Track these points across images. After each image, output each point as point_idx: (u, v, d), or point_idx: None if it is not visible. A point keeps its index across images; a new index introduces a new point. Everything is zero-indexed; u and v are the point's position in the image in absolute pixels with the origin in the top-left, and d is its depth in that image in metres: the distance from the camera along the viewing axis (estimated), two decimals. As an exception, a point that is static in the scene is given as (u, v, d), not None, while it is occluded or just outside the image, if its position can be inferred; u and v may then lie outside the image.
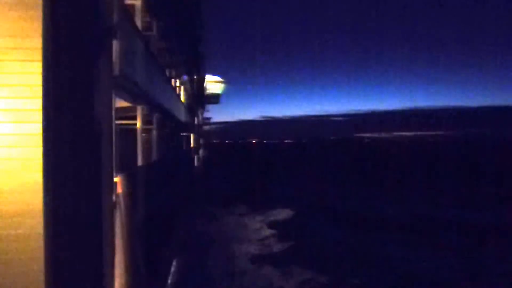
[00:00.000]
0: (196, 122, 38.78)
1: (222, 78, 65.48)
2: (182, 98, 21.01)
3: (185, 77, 22.79)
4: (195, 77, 28.51)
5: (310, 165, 77.66)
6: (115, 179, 4.97)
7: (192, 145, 31.22)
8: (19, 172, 3.98)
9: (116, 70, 5.17)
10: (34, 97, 4.00)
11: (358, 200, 32.03)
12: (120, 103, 7.13)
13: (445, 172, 56.43)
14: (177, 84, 18.89)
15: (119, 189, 5.05)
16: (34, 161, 3.97)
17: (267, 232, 20.05)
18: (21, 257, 3.94)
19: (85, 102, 4.05)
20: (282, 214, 24.97)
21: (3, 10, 4.02)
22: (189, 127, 26.00)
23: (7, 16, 4.02)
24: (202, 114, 57.36)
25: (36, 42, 4.01)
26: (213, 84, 62.43)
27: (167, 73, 14.15)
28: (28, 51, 4.03)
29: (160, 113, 10.95)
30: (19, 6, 4.03)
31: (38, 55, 4.01)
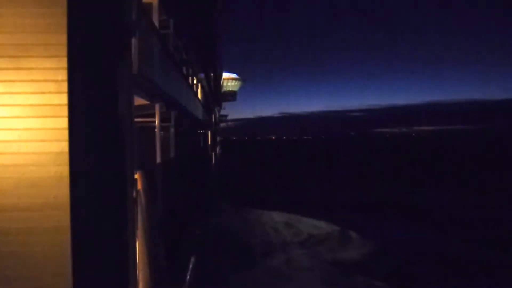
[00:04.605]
0: (213, 119, 39.01)
1: (239, 75, 65.72)
2: (199, 95, 21.13)
3: (202, 75, 22.92)
4: (211, 74, 28.63)
5: (342, 163, 68.33)
6: (135, 176, 5.05)
7: (209, 142, 31.41)
8: (46, 166, 4.09)
9: (135, 68, 5.25)
10: (60, 92, 4.10)
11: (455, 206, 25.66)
12: (138, 100, 7.23)
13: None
14: (194, 81, 19.01)
15: (139, 185, 5.13)
16: (60, 155, 4.08)
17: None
18: (48, 249, 4.06)
19: (109, 98, 4.13)
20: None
21: (27, 7, 4.13)
22: (206, 124, 26.16)
23: (32, 12, 4.13)
24: (219, 111, 57.64)
25: (61, 38, 4.10)
26: (229, 81, 62.67)
27: (184, 71, 14.25)
28: (53, 47, 4.13)
29: (177, 110, 11.04)
30: (44, 2, 4.13)
31: (63, 51, 4.11)
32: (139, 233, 4.72)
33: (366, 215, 21.87)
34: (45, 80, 4.13)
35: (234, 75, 64.72)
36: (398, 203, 26.01)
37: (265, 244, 13.77)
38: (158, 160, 8.72)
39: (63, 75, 4.11)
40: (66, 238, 4.03)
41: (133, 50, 5.17)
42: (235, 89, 66.07)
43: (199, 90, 21.35)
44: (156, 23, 7.97)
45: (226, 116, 77.29)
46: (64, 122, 4.09)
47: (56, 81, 4.11)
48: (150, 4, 8.30)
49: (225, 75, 58.88)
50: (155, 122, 8.50)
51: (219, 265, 10.75)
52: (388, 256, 13.43)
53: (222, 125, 76.08)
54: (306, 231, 15.79)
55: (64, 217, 4.04)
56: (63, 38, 4.08)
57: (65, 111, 4.08)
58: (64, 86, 4.09)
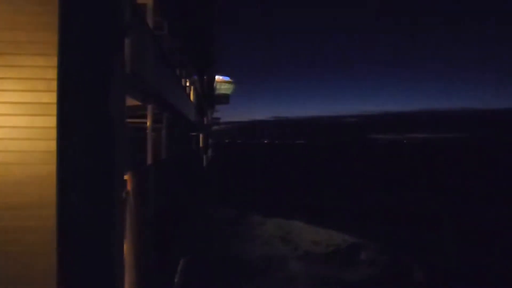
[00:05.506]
0: (205, 122, 38.94)
1: (232, 78, 65.89)
2: (192, 97, 21.11)
3: (195, 77, 22.90)
4: (205, 77, 28.63)
5: (337, 169, 64.23)
6: (125, 177, 5.03)
7: (201, 144, 31.35)
8: (33, 164, 4.06)
9: (128, 69, 5.23)
10: (49, 91, 4.08)
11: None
12: (130, 101, 7.20)
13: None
14: (187, 83, 18.99)
15: (129, 186, 5.11)
16: (48, 154, 4.05)
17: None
18: (33, 248, 4.02)
19: (99, 98, 4.10)
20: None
21: (19, 4, 4.11)
22: (198, 126, 26.11)
23: (23, 10, 4.12)
24: (211, 114, 57.59)
25: (51, 36, 4.08)
26: (223, 84, 62.72)
27: (177, 73, 14.23)
28: (44, 45, 4.11)
29: (169, 112, 11.03)
30: (35, 0, 4.11)
31: (53, 49, 4.09)
32: (128, 234, 4.70)
33: (374, 223, 20.25)
34: (35, 78, 4.11)
35: (227, 78, 64.81)
36: (402, 210, 24.14)
37: (260, 257, 12.62)
38: (149, 161, 8.69)
39: (53, 74, 4.08)
40: (52, 238, 3.99)
41: (126, 50, 5.15)
42: (228, 92, 66.13)
43: (191, 92, 21.33)
44: (150, 24, 7.96)
45: (219, 118, 77.37)
46: (52, 121, 4.06)
47: (46, 79, 4.09)
48: (145, 5, 8.29)
49: (219, 78, 58.91)
50: (147, 123, 8.48)
51: (208, 277, 10.42)
52: (402, 271, 11.81)
53: (214, 127, 76.07)
54: (307, 244, 14.28)
55: (50, 216, 4.00)
56: (53, 37, 4.06)
57: (54, 110, 4.04)
58: (54, 85, 4.06)
